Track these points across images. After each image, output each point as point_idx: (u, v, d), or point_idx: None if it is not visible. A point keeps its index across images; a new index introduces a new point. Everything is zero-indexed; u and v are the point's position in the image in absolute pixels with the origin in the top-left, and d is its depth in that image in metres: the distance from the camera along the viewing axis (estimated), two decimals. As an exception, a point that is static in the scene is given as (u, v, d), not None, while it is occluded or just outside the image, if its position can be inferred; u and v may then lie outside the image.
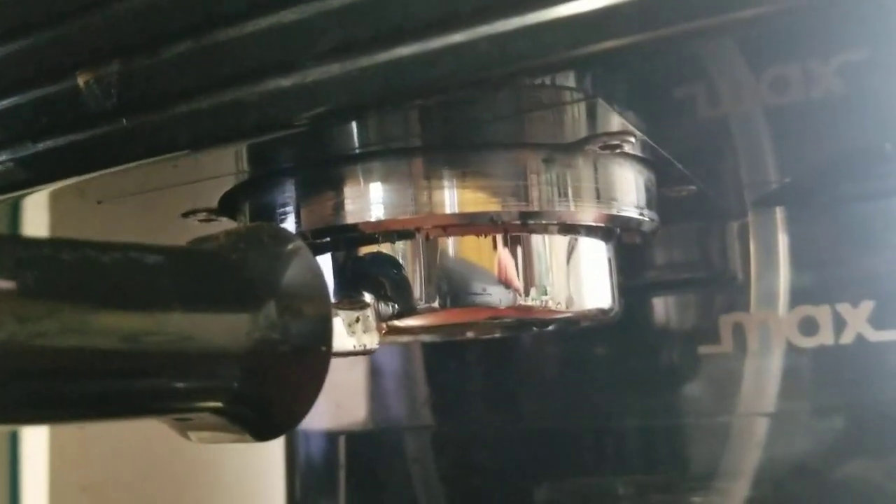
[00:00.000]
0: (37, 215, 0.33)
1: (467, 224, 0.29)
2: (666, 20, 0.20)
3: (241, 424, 0.24)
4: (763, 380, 0.40)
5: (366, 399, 0.49)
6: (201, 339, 0.22)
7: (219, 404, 0.23)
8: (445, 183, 0.28)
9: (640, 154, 0.30)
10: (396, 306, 0.29)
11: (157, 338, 0.21)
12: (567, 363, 0.45)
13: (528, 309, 0.29)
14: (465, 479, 0.47)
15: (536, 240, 0.29)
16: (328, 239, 0.30)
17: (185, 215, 0.33)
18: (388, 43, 0.22)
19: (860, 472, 0.38)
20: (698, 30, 0.20)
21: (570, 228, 0.30)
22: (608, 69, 0.23)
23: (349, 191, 0.29)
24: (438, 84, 0.22)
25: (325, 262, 0.30)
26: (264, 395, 0.23)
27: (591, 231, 0.31)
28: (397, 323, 0.29)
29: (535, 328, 0.35)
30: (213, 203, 0.32)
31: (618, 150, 0.29)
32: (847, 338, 0.38)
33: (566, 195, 0.29)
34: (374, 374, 0.49)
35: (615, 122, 0.27)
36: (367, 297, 0.28)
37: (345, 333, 0.27)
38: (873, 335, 0.38)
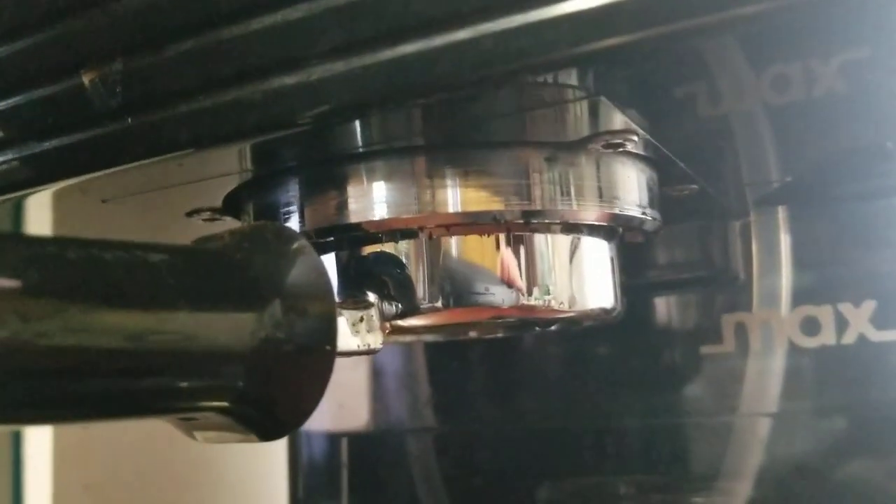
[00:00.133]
0: (40, 214, 0.33)
1: (470, 223, 0.29)
2: (668, 17, 0.20)
3: (246, 424, 0.24)
4: (765, 380, 0.40)
5: (368, 400, 0.49)
6: (206, 339, 0.22)
7: (224, 404, 0.23)
8: (448, 182, 0.28)
9: (642, 153, 0.30)
10: (400, 306, 0.29)
11: (161, 337, 0.21)
12: (569, 363, 0.45)
13: (531, 308, 0.29)
14: (467, 479, 0.47)
15: (539, 239, 0.29)
16: (332, 238, 0.30)
17: (189, 214, 0.33)
18: (390, 41, 0.22)
19: (862, 471, 0.38)
20: (700, 27, 0.20)
21: (572, 227, 0.30)
22: (611, 67, 0.23)
23: (352, 190, 0.29)
24: (441, 82, 0.22)
25: (328, 261, 0.30)
26: (269, 394, 0.23)
27: (593, 230, 0.31)
28: (401, 322, 0.29)
29: (537, 328, 0.35)
30: (217, 202, 0.32)
31: (620, 149, 0.29)
32: (849, 338, 0.38)
33: (569, 194, 0.29)
34: (377, 375, 0.49)
35: (618, 120, 0.27)
36: (371, 297, 0.28)
37: (349, 333, 0.27)
38: (875, 335, 0.38)
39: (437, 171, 0.28)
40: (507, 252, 0.29)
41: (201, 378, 0.22)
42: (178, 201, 0.32)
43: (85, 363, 0.20)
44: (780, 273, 0.40)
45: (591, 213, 0.29)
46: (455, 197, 0.28)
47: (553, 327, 0.36)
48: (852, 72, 0.27)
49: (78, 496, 0.50)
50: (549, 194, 0.28)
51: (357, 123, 0.26)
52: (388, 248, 0.29)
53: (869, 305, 0.38)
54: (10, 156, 0.28)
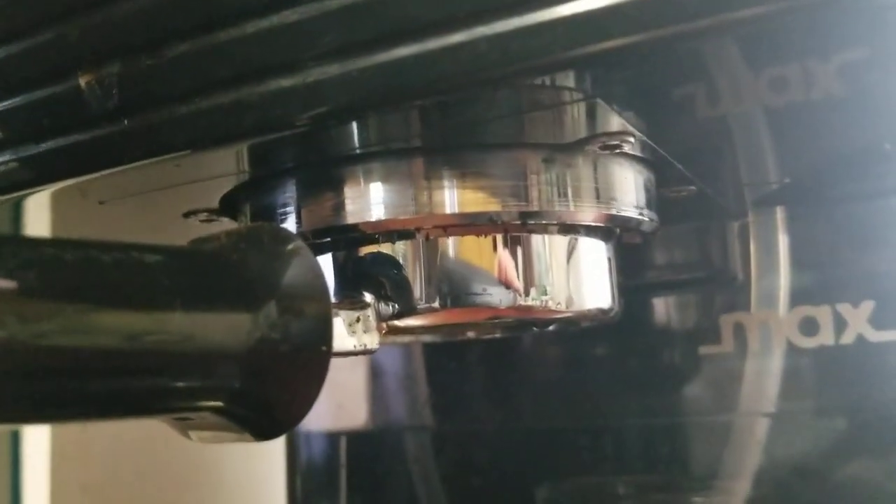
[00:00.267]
0: (38, 216, 0.33)
1: (467, 224, 0.29)
2: (666, 20, 0.20)
3: (242, 424, 0.24)
4: (763, 380, 0.40)
5: (367, 400, 0.49)
6: (202, 339, 0.22)
7: (219, 404, 0.23)
8: (445, 183, 0.28)
9: (639, 154, 0.31)
10: (397, 306, 0.29)
11: (158, 337, 0.21)
12: (568, 363, 0.45)
13: (529, 309, 0.30)
14: (465, 479, 0.47)
15: (536, 240, 0.30)
16: (328, 239, 0.30)
17: (186, 216, 0.33)
18: (387, 43, 0.22)
19: (861, 471, 0.38)
20: (698, 30, 0.20)
21: (569, 228, 0.30)
22: (608, 69, 0.23)
23: (349, 191, 0.29)
24: (438, 84, 0.22)
25: (325, 262, 0.30)
26: (265, 394, 0.23)
27: (590, 231, 0.31)
28: (397, 323, 0.29)
29: (535, 328, 0.35)
30: (214, 203, 0.32)
31: (617, 151, 0.29)
32: (847, 338, 0.38)
33: (566, 195, 0.29)
34: (375, 374, 0.49)
35: (615, 122, 0.27)
36: (368, 297, 0.28)
37: (345, 333, 0.27)
38: (874, 335, 0.38)
39: (433, 173, 0.28)
40: (504, 253, 0.29)
41: (197, 378, 0.22)
42: (175, 202, 0.32)
43: (82, 363, 0.20)
44: (779, 273, 0.40)
45: (588, 214, 0.30)
46: (452, 198, 0.28)
47: (551, 328, 0.36)
48: (850, 73, 0.27)
49: (76, 496, 0.50)
50: (546, 195, 0.29)
51: (354, 125, 0.26)
52: (384, 248, 0.29)
53: (867, 306, 0.38)
54: (8, 157, 0.28)
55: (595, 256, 0.31)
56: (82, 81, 0.26)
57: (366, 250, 0.30)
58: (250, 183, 0.31)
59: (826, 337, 0.39)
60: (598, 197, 0.29)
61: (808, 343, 0.39)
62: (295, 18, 0.23)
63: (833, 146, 0.35)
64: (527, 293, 0.29)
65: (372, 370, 0.49)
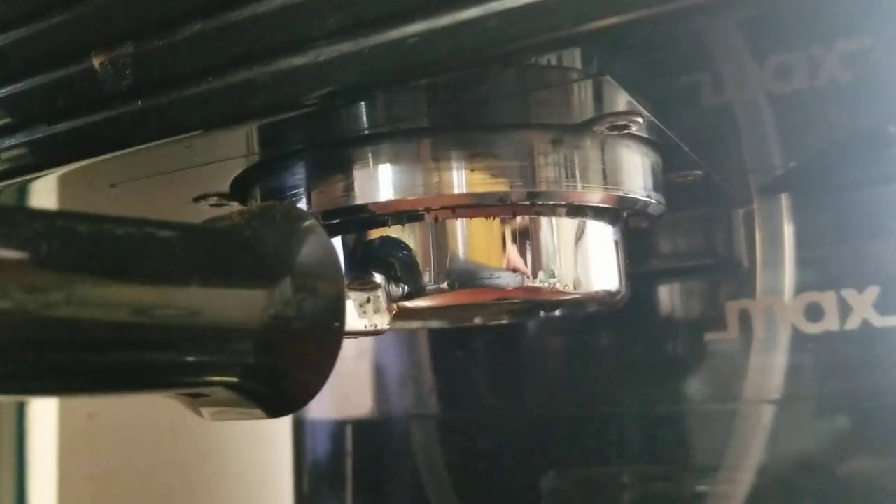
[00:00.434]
0: (45, 200, 0.33)
1: (476, 204, 0.29)
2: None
3: (255, 400, 0.24)
4: (769, 366, 0.40)
5: (372, 389, 0.50)
6: (216, 314, 0.22)
7: (232, 379, 0.23)
8: (454, 164, 0.28)
9: (646, 136, 0.31)
10: (406, 287, 0.29)
11: (171, 311, 0.21)
12: (572, 351, 0.45)
13: (536, 290, 0.30)
14: (471, 467, 0.47)
15: (544, 222, 0.30)
16: (338, 220, 0.30)
17: (197, 200, 0.33)
18: (397, 21, 0.23)
19: (866, 457, 0.39)
20: (701, 5, 0.20)
21: (577, 210, 0.30)
22: (615, 48, 0.23)
23: (358, 172, 0.29)
24: (447, 61, 0.23)
25: (335, 243, 0.30)
26: (278, 370, 0.23)
27: (598, 213, 0.31)
28: (407, 304, 0.29)
29: (542, 312, 0.36)
30: (225, 187, 0.33)
31: (625, 131, 0.29)
32: (853, 323, 0.38)
33: (574, 176, 0.29)
34: (381, 364, 0.49)
35: (622, 101, 0.27)
36: (378, 278, 0.29)
37: (356, 314, 0.27)
38: (879, 321, 0.38)
39: (442, 153, 0.28)
40: (512, 234, 0.29)
41: (211, 353, 0.22)
42: (185, 186, 0.32)
43: (91, 335, 0.20)
44: (784, 260, 0.40)
45: (595, 196, 0.30)
46: (460, 178, 0.28)
47: (558, 312, 0.36)
48: (855, 59, 0.27)
49: (82, 486, 0.50)
50: (554, 176, 0.29)
51: (363, 105, 0.26)
52: (393, 230, 0.29)
53: (872, 291, 0.38)
54: (21, 138, 0.28)
55: (603, 239, 0.31)
56: (96, 62, 0.26)
57: (375, 232, 0.30)
58: (260, 165, 0.31)
59: (831, 323, 0.39)
60: (605, 178, 0.30)
61: (814, 329, 0.39)
62: (306, -3, 0.23)
63: (838, 131, 0.35)
64: (535, 275, 0.29)
65: (377, 360, 0.49)
